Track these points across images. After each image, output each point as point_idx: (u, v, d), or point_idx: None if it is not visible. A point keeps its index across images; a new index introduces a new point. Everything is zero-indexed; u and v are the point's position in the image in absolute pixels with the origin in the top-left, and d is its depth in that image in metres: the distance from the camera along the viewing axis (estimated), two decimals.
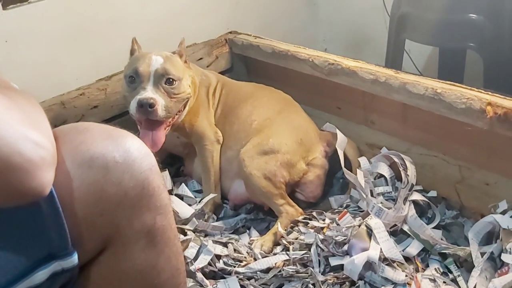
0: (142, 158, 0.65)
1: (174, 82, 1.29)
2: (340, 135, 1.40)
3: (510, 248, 1.03)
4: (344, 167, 1.34)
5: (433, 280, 1.08)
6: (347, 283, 1.08)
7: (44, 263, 0.60)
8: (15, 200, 0.54)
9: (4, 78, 0.71)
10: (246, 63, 1.76)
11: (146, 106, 1.23)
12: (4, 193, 0.52)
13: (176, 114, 1.33)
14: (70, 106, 1.43)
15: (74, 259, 0.61)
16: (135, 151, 0.65)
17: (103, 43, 1.53)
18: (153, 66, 1.28)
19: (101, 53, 1.53)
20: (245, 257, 1.20)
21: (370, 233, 1.12)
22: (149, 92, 1.25)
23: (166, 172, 1.43)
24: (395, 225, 1.17)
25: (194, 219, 1.29)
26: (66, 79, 1.46)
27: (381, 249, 1.08)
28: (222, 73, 1.70)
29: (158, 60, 1.29)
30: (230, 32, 1.77)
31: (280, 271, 1.13)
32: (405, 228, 1.17)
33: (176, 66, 1.31)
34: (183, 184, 1.44)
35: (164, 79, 1.28)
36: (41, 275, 0.59)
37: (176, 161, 1.56)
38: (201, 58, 1.68)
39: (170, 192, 1.41)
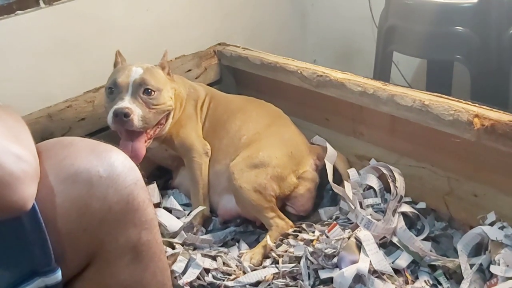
0: (126, 173, 0.65)
1: (153, 92, 1.28)
2: (330, 149, 1.40)
3: (499, 260, 1.03)
4: (334, 179, 1.33)
5: None
6: None
7: (27, 280, 0.59)
8: None
9: None
10: (235, 75, 1.76)
11: (121, 116, 1.21)
12: None
13: (158, 127, 1.32)
14: (57, 118, 1.41)
15: (58, 275, 0.60)
16: (119, 166, 0.65)
17: (91, 55, 1.53)
18: (132, 77, 1.27)
19: (88, 65, 1.52)
20: (234, 271, 1.19)
21: (359, 245, 1.12)
22: (125, 102, 1.24)
23: (154, 185, 1.42)
24: (385, 237, 1.17)
25: (182, 232, 1.28)
26: (53, 91, 1.45)
27: (370, 261, 1.08)
28: (211, 84, 1.70)
29: (137, 71, 1.29)
30: (219, 44, 1.77)
31: (269, 284, 1.12)
32: (395, 240, 1.17)
33: (156, 77, 1.31)
34: (171, 197, 1.43)
35: (142, 89, 1.27)
36: None
37: (164, 174, 1.55)
38: (189, 70, 1.68)
39: (158, 205, 1.40)
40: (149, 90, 1.27)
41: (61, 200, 0.60)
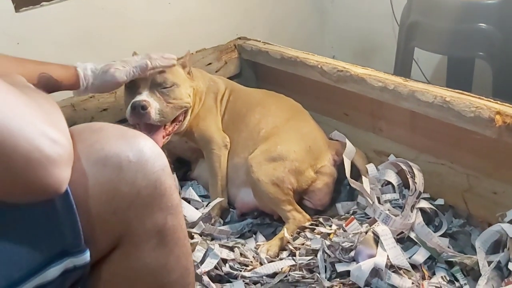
0: (155, 158, 0.66)
1: (170, 87, 1.30)
2: (349, 144, 1.40)
3: None
4: (352, 175, 1.34)
5: None
6: None
7: (57, 260, 0.60)
8: (32, 197, 0.55)
9: (21, 78, 0.72)
10: (255, 69, 1.77)
11: (139, 108, 1.24)
12: (22, 189, 0.53)
13: (176, 124, 1.34)
14: (80, 108, 1.44)
15: (86, 256, 0.62)
16: (148, 151, 0.66)
17: (113, 47, 1.55)
18: (151, 74, 1.29)
19: (110, 57, 1.51)
20: (251, 262, 1.20)
21: (377, 240, 1.12)
22: (143, 96, 1.27)
23: (174, 176, 1.43)
24: (402, 232, 1.17)
25: (201, 222, 1.30)
26: None
27: (388, 256, 1.08)
28: (231, 78, 1.71)
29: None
30: (239, 38, 1.78)
31: (286, 276, 1.13)
32: (412, 235, 1.17)
33: (174, 73, 1.33)
34: (190, 188, 1.45)
35: (160, 84, 1.29)
36: (54, 271, 0.60)
37: (183, 165, 1.56)
38: (210, 63, 1.69)
39: None
40: (167, 85, 1.29)
41: (91, 183, 0.61)
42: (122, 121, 1.47)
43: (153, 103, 1.26)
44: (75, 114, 1.42)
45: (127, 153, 0.64)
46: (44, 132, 0.54)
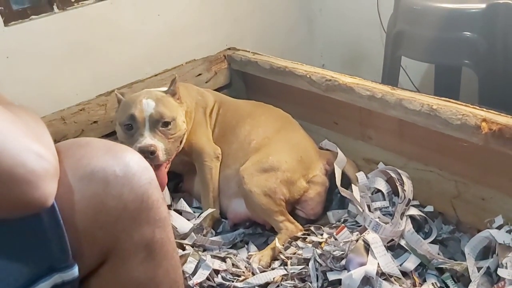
0: (141, 172, 0.67)
1: (170, 123, 1.30)
2: (340, 154, 1.41)
3: (506, 263, 1.03)
4: (343, 184, 1.34)
5: None
6: None
7: (45, 275, 0.60)
8: (18, 211, 0.55)
9: (3, 95, 0.72)
10: (245, 79, 1.78)
11: (148, 154, 1.23)
12: (8, 204, 0.53)
13: (175, 152, 1.34)
14: (70, 121, 1.44)
15: (75, 271, 0.62)
16: (134, 165, 0.66)
17: (103, 59, 1.55)
18: (146, 111, 1.28)
19: (101, 69, 1.55)
20: (243, 272, 1.20)
21: (367, 248, 1.13)
22: (147, 139, 1.26)
23: (165, 188, 1.43)
24: (392, 240, 1.18)
25: (192, 233, 1.30)
26: (66, 94, 1.48)
27: (378, 264, 1.09)
28: (221, 88, 1.72)
29: (149, 103, 1.29)
30: (229, 49, 1.79)
31: (278, 286, 1.14)
32: (402, 243, 1.18)
33: (168, 107, 1.32)
34: (181, 199, 1.45)
35: (160, 123, 1.29)
36: (42, 287, 0.60)
37: (175, 177, 1.57)
38: (200, 74, 1.70)
39: (169, 207, 1.42)
40: (167, 122, 1.29)
41: (78, 198, 0.62)
42: (113, 134, 1.48)
43: (158, 145, 1.26)
44: (65, 127, 1.42)
45: (114, 168, 0.64)
46: (28, 147, 0.55)
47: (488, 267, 1.07)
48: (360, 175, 1.38)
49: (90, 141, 0.67)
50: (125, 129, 1.30)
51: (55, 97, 1.46)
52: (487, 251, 1.13)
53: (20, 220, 0.57)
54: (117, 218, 0.64)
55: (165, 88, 1.38)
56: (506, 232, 1.10)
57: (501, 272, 1.03)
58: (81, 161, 0.64)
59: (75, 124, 1.44)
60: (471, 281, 1.07)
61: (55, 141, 0.67)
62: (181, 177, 1.55)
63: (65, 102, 1.46)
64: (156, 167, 1.27)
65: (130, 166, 0.66)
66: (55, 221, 0.59)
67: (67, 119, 1.43)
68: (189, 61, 1.68)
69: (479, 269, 1.08)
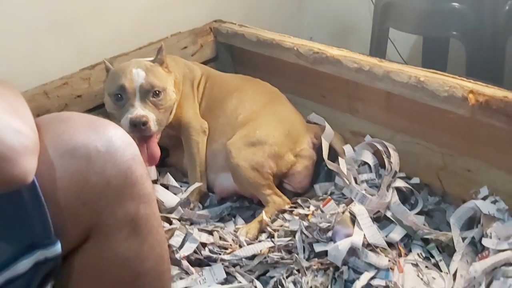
0: (124, 148, 0.66)
1: (160, 93, 1.28)
2: (327, 127, 1.41)
3: (491, 233, 1.05)
4: (330, 157, 1.34)
5: (416, 265, 1.10)
6: (331, 268, 1.09)
7: (27, 252, 0.60)
8: None
9: None
10: (231, 52, 1.76)
11: (140, 125, 1.22)
12: None
13: (167, 123, 1.33)
14: (53, 95, 1.41)
15: (57, 248, 0.61)
16: (117, 141, 0.65)
17: (87, 32, 1.51)
18: (136, 81, 1.26)
19: (84, 43, 1.51)
20: (230, 245, 1.21)
21: (353, 219, 1.13)
22: (139, 110, 1.24)
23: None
24: (379, 211, 1.18)
25: (179, 207, 1.30)
26: (49, 68, 1.44)
27: (364, 235, 1.10)
28: (207, 62, 1.70)
29: (140, 73, 1.27)
30: (215, 21, 1.76)
31: (265, 258, 1.14)
32: (388, 214, 1.19)
33: (158, 76, 1.30)
34: (168, 174, 1.44)
35: (151, 93, 1.27)
36: (24, 264, 0.59)
37: (161, 151, 1.55)
38: (185, 47, 1.67)
39: (155, 181, 1.41)
40: (157, 92, 1.28)
41: (59, 174, 0.60)
42: (97, 108, 1.46)
43: (150, 115, 1.24)
44: (48, 102, 1.40)
45: (96, 143, 0.63)
46: (6, 123, 0.53)
47: (473, 237, 1.09)
48: (347, 148, 1.38)
49: (71, 116, 0.66)
50: (115, 100, 1.28)
51: (37, 71, 1.43)
52: (472, 222, 1.14)
53: (0, 198, 0.56)
54: (100, 194, 0.63)
55: (152, 58, 1.36)
56: (491, 202, 1.12)
57: (485, 242, 1.04)
58: (62, 136, 0.62)
59: (59, 99, 1.42)
60: (455, 251, 1.09)
61: (37, 116, 0.65)
62: (167, 151, 1.54)
63: (48, 76, 1.43)
64: (147, 138, 1.26)
65: (112, 141, 0.65)
66: (36, 198, 0.58)
67: (50, 94, 1.41)
68: (174, 34, 1.65)
69: (464, 239, 1.10)
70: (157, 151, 1.28)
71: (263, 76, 1.55)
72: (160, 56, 1.34)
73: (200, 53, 1.71)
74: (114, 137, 0.65)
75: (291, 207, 1.31)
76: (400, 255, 1.13)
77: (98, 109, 1.45)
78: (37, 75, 1.42)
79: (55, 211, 0.60)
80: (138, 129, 1.23)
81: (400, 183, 1.25)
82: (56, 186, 0.60)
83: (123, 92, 1.26)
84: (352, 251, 1.08)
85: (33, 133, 0.57)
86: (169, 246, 1.14)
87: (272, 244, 1.17)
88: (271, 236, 1.22)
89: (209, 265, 1.15)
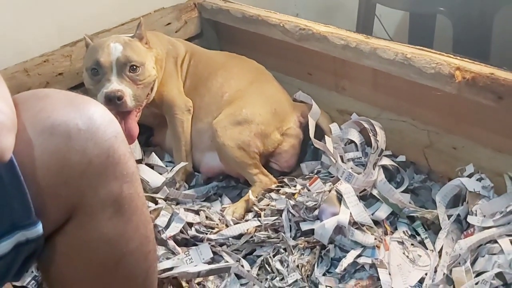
0: (106, 126, 0.64)
1: (138, 68, 1.25)
2: (314, 105, 1.40)
3: (476, 210, 1.05)
4: (317, 136, 1.34)
5: (401, 243, 1.11)
6: (317, 247, 1.09)
7: (7, 234, 0.58)
8: None
9: None
10: (216, 29, 1.72)
11: (115, 100, 1.19)
12: None
13: (146, 99, 1.30)
14: (34, 73, 1.37)
15: (39, 229, 0.60)
16: (99, 118, 0.63)
17: (67, 8, 1.47)
18: (113, 55, 1.23)
19: (65, 18, 1.47)
20: (217, 224, 1.20)
21: (340, 198, 1.13)
22: (114, 84, 1.21)
23: (136, 142, 1.40)
24: (365, 189, 1.18)
25: (165, 187, 1.28)
26: (29, 45, 1.40)
27: (350, 213, 1.10)
28: (191, 38, 1.66)
29: (117, 47, 1.24)
30: None
31: (252, 237, 1.14)
32: (374, 192, 1.19)
33: (136, 51, 1.27)
34: (153, 153, 1.42)
35: (128, 67, 1.24)
36: (5, 245, 0.58)
37: (145, 131, 1.53)
38: (169, 23, 1.63)
39: (140, 161, 1.39)
40: (135, 67, 1.24)
41: (39, 153, 0.59)
42: (79, 86, 1.43)
43: (126, 90, 1.21)
44: (29, 80, 1.36)
45: (76, 121, 0.61)
46: None
47: (458, 215, 1.09)
48: (334, 127, 1.37)
49: (50, 93, 0.63)
50: (91, 75, 1.25)
51: (17, 48, 1.38)
52: (457, 199, 1.15)
53: None
54: (81, 173, 0.61)
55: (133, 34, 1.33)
56: (477, 180, 1.12)
57: (470, 219, 1.05)
58: (41, 114, 0.60)
59: (39, 76, 1.38)
60: (441, 228, 1.10)
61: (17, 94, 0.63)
62: (151, 131, 1.52)
63: (28, 53, 1.39)
64: (125, 114, 1.23)
65: (93, 119, 0.63)
66: (14, 177, 0.56)
67: (30, 71, 1.37)
68: (157, 10, 1.61)
69: (449, 216, 1.11)
70: (135, 129, 1.25)
71: (249, 53, 1.53)
72: (139, 31, 1.31)
73: (184, 30, 1.67)
74: (95, 115, 0.63)
75: (277, 186, 1.30)
76: (386, 233, 1.13)
77: (80, 87, 1.42)
78: (17, 52, 1.37)
79: (35, 191, 0.58)
80: (113, 104, 1.20)
81: (386, 161, 1.25)
82: (36, 165, 0.59)
83: (99, 67, 1.23)
84: (339, 229, 1.08)
85: (10, 109, 0.55)
86: (155, 226, 1.13)
87: (258, 223, 1.17)
88: (257, 215, 1.21)
89: (196, 245, 1.14)
